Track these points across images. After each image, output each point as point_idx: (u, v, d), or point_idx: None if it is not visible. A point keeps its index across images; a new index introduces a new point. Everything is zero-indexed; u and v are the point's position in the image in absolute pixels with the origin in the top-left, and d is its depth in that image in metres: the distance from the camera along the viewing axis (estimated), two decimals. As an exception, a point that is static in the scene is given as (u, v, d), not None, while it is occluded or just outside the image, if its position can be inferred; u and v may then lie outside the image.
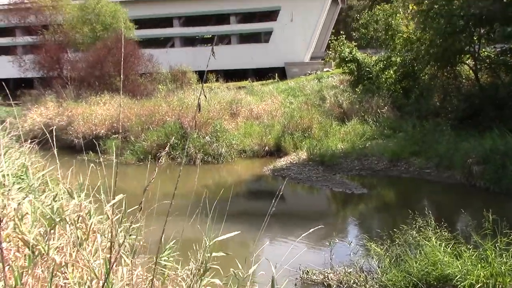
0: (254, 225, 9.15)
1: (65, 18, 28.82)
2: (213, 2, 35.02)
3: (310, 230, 4.77)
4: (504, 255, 6.26)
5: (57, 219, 3.11)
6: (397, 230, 7.65)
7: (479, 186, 13.06)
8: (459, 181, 13.75)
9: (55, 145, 4.17)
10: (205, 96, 2.89)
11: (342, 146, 17.44)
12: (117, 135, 19.52)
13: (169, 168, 16.50)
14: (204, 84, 30.07)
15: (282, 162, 17.22)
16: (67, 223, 3.18)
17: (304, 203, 14.13)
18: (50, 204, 3.33)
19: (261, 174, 16.44)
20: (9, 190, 3.27)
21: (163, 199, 4.57)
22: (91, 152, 17.61)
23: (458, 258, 6.44)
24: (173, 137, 17.80)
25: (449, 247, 6.72)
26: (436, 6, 17.72)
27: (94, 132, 20.22)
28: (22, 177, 4.75)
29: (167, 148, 16.22)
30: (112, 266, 2.85)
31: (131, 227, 3.36)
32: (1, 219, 2.19)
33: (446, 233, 7.09)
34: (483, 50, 19.08)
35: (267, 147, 18.78)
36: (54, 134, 4.48)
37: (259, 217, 4.77)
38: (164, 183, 4.44)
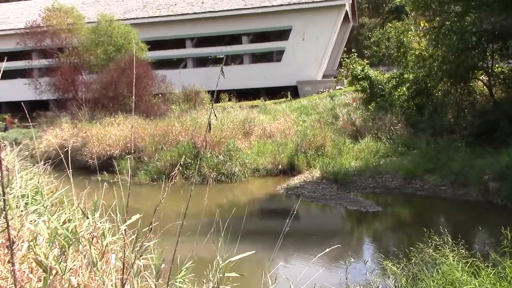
0: (269, 244, 9.10)
1: (80, 40, 29.25)
2: (225, 23, 35.34)
3: (326, 250, 4.71)
4: (523, 273, 6.12)
5: (72, 240, 3.11)
6: (413, 248, 7.55)
7: (496, 203, 12.87)
8: (475, 198, 13.57)
9: (70, 166, 4.20)
10: (216, 116, 2.89)
11: (356, 164, 17.34)
12: (130, 155, 19.64)
13: (182, 188, 16.51)
14: (217, 104, 30.07)
15: (295, 180, 17.16)
16: (80, 243, 3.18)
17: (319, 222, 14.04)
18: (65, 224, 3.34)
19: (275, 193, 16.39)
20: (21, 211, 3.29)
21: (177, 219, 4.56)
22: (105, 173, 17.72)
23: (476, 276, 6.31)
24: (186, 157, 17.86)
25: (467, 265, 6.60)
26: (448, 23, 17.73)
27: (108, 153, 20.38)
28: (35, 197, 4.78)
29: (178, 167, 16.25)
30: (124, 287, 2.84)
31: (144, 247, 3.34)
32: (14, 241, 2.20)
33: (463, 251, 6.97)
34: (497, 65, 18.99)
35: (280, 166, 18.73)
36: (69, 154, 4.51)
37: (273, 236, 4.74)
38: (178, 202, 4.43)
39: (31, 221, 3.35)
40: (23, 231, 3.17)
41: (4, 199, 2.34)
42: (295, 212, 4.74)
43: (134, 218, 3.09)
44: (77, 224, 3.41)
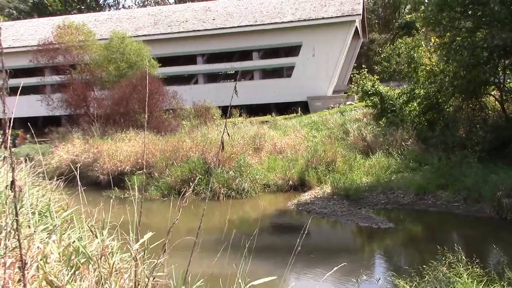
0: (280, 261, 9.04)
1: (92, 57, 29.57)
2: (235, 39, 35.60)
3: (334, 269, 4.65)
4: (540, 292, 6.02)
5: (82, 260, 3.09)
6: (426, 266, 7.44)
7: (510, 219, 12.71)
8: (488, 215, 13.40)
9: (80, 183, 4.20)
10: (228, 134, 2.88)
11: (367, 180, 17.23)
12: (141, 171, 19.65)
13: (193, 203, 16.50)
14: (228, 119, 30.15)
15: (306, 196, 17.07)
16: (90, 263, 3.16)
17: (330, 238, 13.92)
18: (75, 243, 3.33)
19: (286, 209, 16.30)
20: (34, 231, 3.28)
21: (187, 234, 4.54)
22: (116, 189, 17.76)
23: (492, 296, 6.21)
24: (198, 174, 17.90)
25: (481, 284, 6.49)
26: (458, 38, 17.67)
27: (119, 169, 20.42)
28: (45, 214, 4.77)
29: (192, 186, 16.25)
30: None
31: (154, 266, 3.31)
32: (26, 262, 2.18)
33: (478, 269, 6.85)
34: (508, 81, 18.88)
35: (291, 182, 18.66)
36: (79, 171, 4.51)
37: (284, 253, 4.69)
38: (188, 218, 4.42)
39: (41, 239, 3.33)
40: (32, 250, 3.15)
41: (17, 220, 2.33)
42: (306, 231, 4.70)
43: (146, 237, 3.07)
44: (87, 243, 3.40)
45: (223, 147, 2.97)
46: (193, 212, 14.16)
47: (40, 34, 35.80)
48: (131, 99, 26.29)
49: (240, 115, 30.17)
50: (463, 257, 7.16)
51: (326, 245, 13.05)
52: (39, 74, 33.17)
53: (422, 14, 18.90)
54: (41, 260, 3.02)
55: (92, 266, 3.22)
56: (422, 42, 21.95)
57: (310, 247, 12.02)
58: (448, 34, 18.54)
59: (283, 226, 15.08)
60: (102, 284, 3.10)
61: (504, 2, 15.84)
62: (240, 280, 3.87)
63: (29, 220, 3.78)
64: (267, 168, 19.51)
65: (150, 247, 3.63)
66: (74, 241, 3.38)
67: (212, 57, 37.65)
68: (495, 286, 6.35)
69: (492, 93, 19.28)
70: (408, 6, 52.21)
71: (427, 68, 20.83)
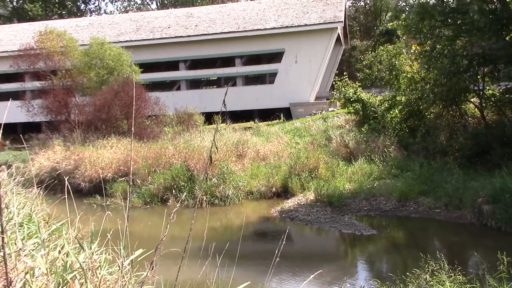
0: (263, 269, 9.01)
1: (73, 63, 29.28)
2: (218, 46, 35.58)
3: (310, 277, 4.65)
4: (521, 298, 6.10)
5: (70, 275, 3.04)
6: (409, 273, 7.50)
7: (491, 225, 12.86)
8: (469, 221, 13.55)
9: (66, 191, 4.13)
10: (217, 148, 2.88)
11: (350, 187, 17.32)
12: (123, 178, 19.49)
13: (176, 211, 16.35)
14: (210, 126, 29.93)
15: (289, 203, 17.09)
16: (76, 278, 3.12)
17: (313, 246, 13.96)
18: (61, 258, 3.28)
19: (269, 216, 16.30)
20: (19, 249, 3.21)
21: (169, 243, 4.50)
22: (98, 196, 17.61)
23: (474, 302, 6.27)
24: (180, 181, 17.84)
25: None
26: (439, 46, 17.92)
27: (101, 176, 20.21)
28: (29, 226, 4.69)
29: (173, 196, 16.16)
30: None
31: (142, 280, 3.28)
32: (12, 279, 2.14)
33: (460, 276, 6.92)
34: (488, 88, 19.17)
35: (274, 188, 18.65)
36: (60, 179, 4.46)
37: (267, 260, 4.66)
38: (171, 225, 4.35)
39: (26, 254, 3.27)
40: (19, 267, 3.09)
41: (3, 237, 2.28)
42: (290, 236, 4.75)
43: (136, 253, 3.04)
44: (74, 259, 3.34)
45: (211, 161, 2.97)
46: (176, 220, 14.08)
47: (21, 39, 35.37)
48: (113, 106, 26.09)
49: (223, 122, 30.14)
50: (446, 265, 7.23)
51: (309, 252, 13.08)
52: (19, 79, 32.72)
53: (403, 22, 19.13)
54: (27, 274, 2.96)
55: (79, 280, 3.17)
56: (403, 50, 22.20)
57: (293, 254, 12.04)
58: (428, 42, 18.78)
59: (266, 234, 15.08)
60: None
61: (483, 11, 16.12)
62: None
63: (12, 233, 3.71)
64: (250, 175, 19.49)
65: (138, 259, 3.60)
66: (61, 256, 3.33)
67: (195, 64, 37.59)
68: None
69: (472, 100, 19.55)
70: (389, 14, 52.79)
71: (408, 76, 21.04)
